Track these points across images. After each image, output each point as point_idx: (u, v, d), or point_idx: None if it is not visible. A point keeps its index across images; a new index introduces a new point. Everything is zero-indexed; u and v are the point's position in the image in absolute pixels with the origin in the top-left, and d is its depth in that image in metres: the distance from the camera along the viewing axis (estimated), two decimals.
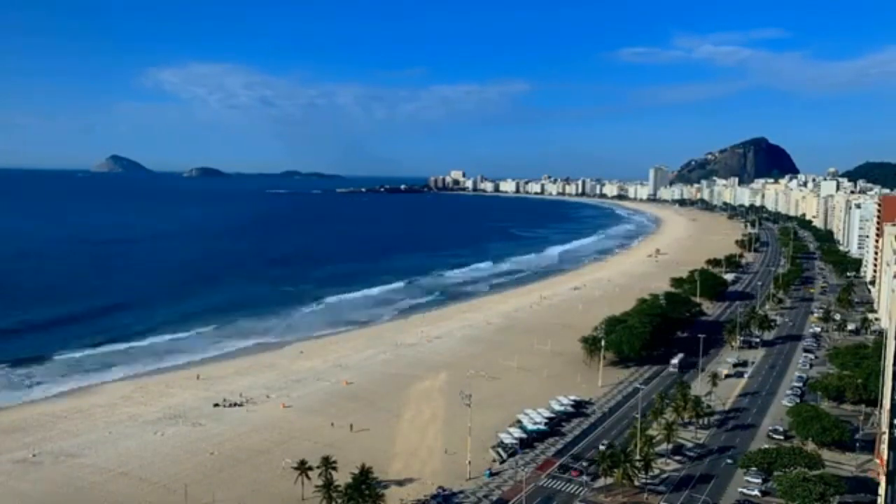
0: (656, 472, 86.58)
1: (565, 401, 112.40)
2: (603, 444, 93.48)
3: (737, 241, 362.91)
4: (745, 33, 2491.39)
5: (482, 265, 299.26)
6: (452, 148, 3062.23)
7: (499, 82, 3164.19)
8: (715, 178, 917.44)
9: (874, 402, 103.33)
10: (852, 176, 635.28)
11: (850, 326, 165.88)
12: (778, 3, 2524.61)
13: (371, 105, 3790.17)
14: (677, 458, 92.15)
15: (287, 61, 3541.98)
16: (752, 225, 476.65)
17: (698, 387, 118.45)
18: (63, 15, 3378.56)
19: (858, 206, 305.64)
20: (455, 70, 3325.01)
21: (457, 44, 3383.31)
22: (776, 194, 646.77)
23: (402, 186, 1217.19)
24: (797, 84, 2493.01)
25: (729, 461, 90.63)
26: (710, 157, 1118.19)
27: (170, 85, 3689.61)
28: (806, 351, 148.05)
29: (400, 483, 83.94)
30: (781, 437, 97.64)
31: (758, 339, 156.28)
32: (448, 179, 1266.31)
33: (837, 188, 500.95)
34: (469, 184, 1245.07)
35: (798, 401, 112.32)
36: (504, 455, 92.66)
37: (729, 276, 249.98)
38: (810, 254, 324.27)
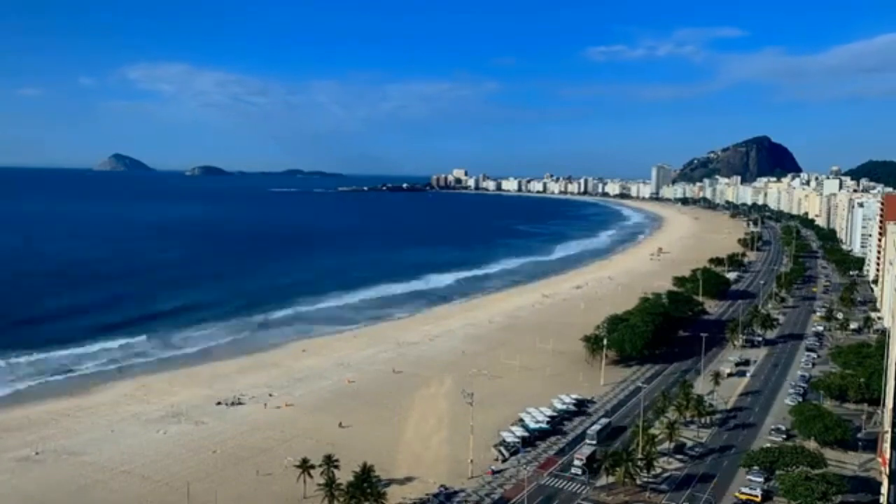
0: (658, 470, 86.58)
1: (567, 399, 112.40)
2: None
3: (739, 240, 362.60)
4: (709, 30, 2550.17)
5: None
6: (440, 145, 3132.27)
7: (473, 81, 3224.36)
8: (717, 176, 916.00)
9: (876, 401, 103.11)
10: (855, 174, 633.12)
11: (853, 325, 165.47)
12: (738, 1, 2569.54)
13: (352, 104, 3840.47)
14: (679, 456, 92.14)
15: (263, 60, 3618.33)
16: (755, 224, 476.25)
17: (701, 386, 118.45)
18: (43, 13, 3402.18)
19: (861, 205, 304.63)
20: (428, 68, 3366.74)
21: (421, 41, 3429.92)
22: (779, 193, 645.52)
23: (404, 185, 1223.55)
24: (779, 81, 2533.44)
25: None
26: (712, 155, 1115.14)
27: (145, 83, 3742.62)
28: (808, 350, 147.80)
29: (402, 481, 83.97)
30: (784, 437, 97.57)
31: (760, 338, 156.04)
32: (450, 178, 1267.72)
33: (840, 187, 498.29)
34: (471, 182, 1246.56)
35: (800, 399, 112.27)
36: (506, 453, 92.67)
37: (731, 275, 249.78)
38: (813, 252, 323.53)
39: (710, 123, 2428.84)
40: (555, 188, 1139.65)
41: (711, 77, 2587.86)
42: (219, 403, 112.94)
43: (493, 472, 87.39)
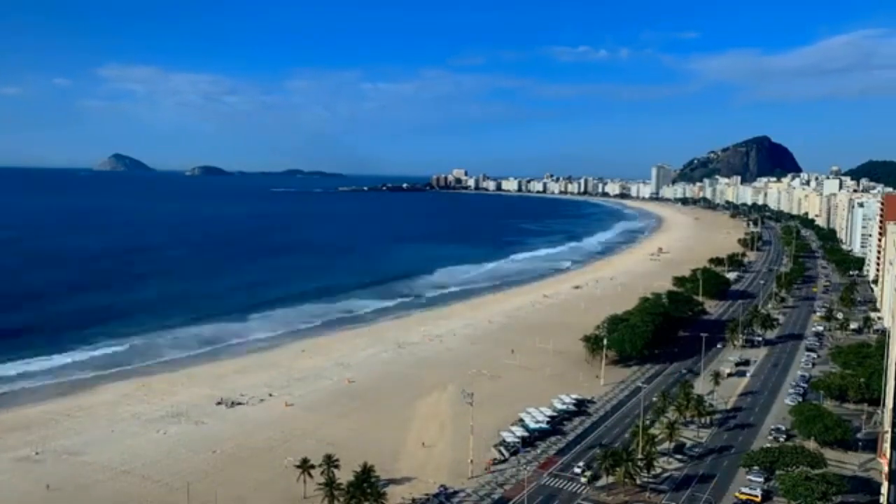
0: (658, 470, 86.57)
1: (567, 399, 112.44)
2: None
3: (739, 240, 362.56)
4: (670, 33, 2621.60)
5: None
6: (435, 146, 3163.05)
7: (449, 81, 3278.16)
8: (717, 176, 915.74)
9: (876, 401, 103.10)
10: (855, 174, 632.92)
11: (853, 325, 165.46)
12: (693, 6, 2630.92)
13: (333, 103, 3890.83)
14: (679, 456, 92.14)
15: (240, 62, 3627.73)
16: (755, 224, 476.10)
17: (701, 386, 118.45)
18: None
19: (861, 205, 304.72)
20: (400, 67, 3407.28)
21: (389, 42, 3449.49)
22: (779, 193, 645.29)
23: (404, 185, 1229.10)
24: (750, 81, 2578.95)
25: None
26: (712, 155, 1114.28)
27: (127, 84, 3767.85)
28: (808, 350, 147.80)
29: (402, 481, 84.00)
30: (784, 437, 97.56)
31: (760, 338, 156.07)
32: (450, 178, 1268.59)
33: (840, 187, 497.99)
34: (471, 182, 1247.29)
35: (800, 400, 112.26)
36: (506, 453, 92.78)
37: (731, 275, 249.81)
38: (813, 252, 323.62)
39: (699, 124, 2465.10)
40: (555, 188, 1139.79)
41: (689, 78, 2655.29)
42: (219, 403, 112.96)
43: (494, 461, 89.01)
